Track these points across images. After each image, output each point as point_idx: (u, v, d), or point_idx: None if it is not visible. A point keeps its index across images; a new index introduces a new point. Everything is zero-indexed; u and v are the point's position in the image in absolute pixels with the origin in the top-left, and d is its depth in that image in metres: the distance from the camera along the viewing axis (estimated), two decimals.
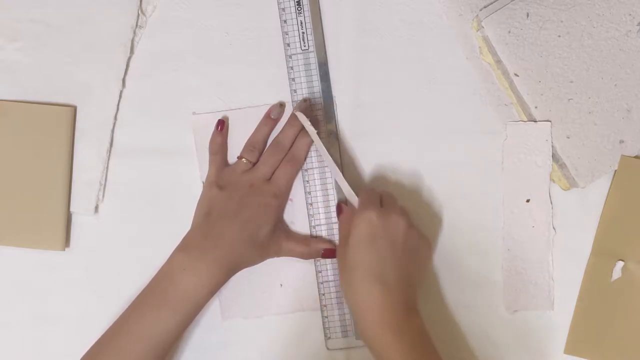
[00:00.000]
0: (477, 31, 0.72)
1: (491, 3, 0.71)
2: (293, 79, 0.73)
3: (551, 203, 0.72)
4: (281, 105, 0.72)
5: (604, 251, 0.72)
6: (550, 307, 0.72)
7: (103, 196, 0.73)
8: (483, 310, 0.73)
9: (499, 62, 0.71)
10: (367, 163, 0.73)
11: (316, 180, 0.73)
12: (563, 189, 0.72)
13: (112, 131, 0.73)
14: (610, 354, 0.72)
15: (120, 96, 0.73)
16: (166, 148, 0.73)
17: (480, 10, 0.71)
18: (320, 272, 0.73)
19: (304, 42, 0.72)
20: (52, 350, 0.73)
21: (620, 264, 0.71)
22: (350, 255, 0.64)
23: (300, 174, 0.73)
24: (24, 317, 0.73)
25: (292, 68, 0.73)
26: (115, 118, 0.73)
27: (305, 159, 0.72)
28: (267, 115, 0.72)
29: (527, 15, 0.70)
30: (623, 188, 0.72)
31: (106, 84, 0.73)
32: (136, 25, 0.73)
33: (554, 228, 0.72)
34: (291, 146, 0.71)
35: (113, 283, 0.73)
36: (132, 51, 0.73)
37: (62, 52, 0.73)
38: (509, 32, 0.70)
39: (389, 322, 0.62)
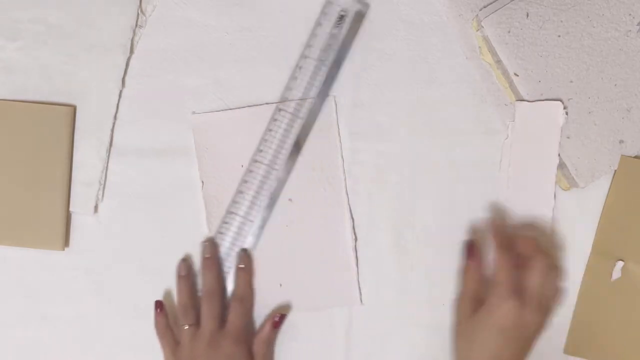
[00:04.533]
0: (477, 31, 0.72)
1: (491, 3, 0.71)
2: (295, 78, 0.72)
3: (552, 202, 0.72)
4: (185, 261, 0.72)
5: (604, 251, 0.72)
6: None
7: (103, 196, 0.73)
8: None
9: (499, 62, 0.71)
10: (367, 163, 0.73)
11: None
12: (563, 189, 0.72)
13: (112, 131, 0.73)
14: (610, 354, 0.72)
15: (120, 96, 0.73)
16: (166, 148, 0.73)
17: (480, 10, 0.71)
18: None
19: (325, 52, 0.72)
20: (52, 350, 0.73)
21: (620, 264, 0.71)
22: (476, 331, 0.65)
23: (299, 174, 0.73)
24: (24, 317, 0.73)
25: (300, 68, 0.72)
26: (115, 118, 0.73)
27: (252, 292, 0.71)
28: (178, 275, 0.71)
29: (527, 15, 0.70)
30: (623, 188, 0.72)
31: (106, 83, 0.73)
32: (136, 25, 0.73)
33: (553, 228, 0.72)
34: (221, 284, 0.71)
35: (113, 283, 0.73)
36: (132, 51, 0.73)
37: (62, 52, 0.73)
38: (509, 32, 0.70)
39: None
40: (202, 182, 0.72)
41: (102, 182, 0.73)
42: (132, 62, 0.73)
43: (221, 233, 0.72)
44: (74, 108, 0.73)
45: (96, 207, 0.73)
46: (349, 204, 0.73)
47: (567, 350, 0.72)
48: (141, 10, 0.73)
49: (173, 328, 0.70)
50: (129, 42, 0.73)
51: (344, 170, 0.73)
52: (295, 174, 0.72)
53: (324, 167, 0.73)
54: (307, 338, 0.73)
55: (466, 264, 0.70)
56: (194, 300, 0.70)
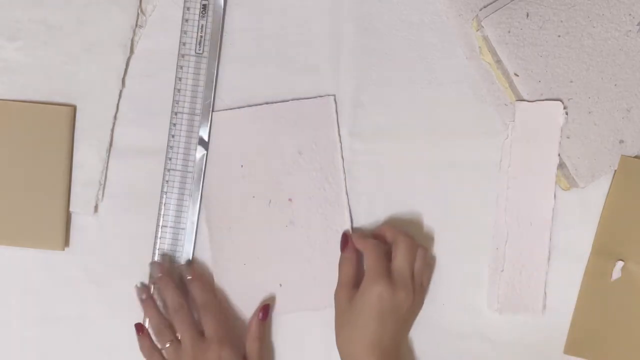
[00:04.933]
0: (477, 31, 0.72)
1: (491, 3, 0.71)
2: (180, 79, 0.72)
3: (552, 202, 0.72)
4: (140, 285, 0.72)
5: (604, 251, 0.72)
6: (542, 310, 0.72)
7: (102, 196, 0.73)
8: (482, 310, 0.73)
9: (499, 62, 0.71)
10: (367, 163, 0.73)
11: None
12: (563, 189, 0.72)
13: (112, 131, 0.73)
14: (610, 354, 0.72)
15: (120, 96, 0.73)
16: (166, 148, 0.73)
17: (480, 10, 0.71)
18: None
19: (200, 46, 0.72)
20: (52, 350, 0.73)
21: (620, 264, 0.71)
22: (354, 318, 0.67)
23: (299, 173, 0.73)
24: (24, 317, 0.73)
25: (181, 67, 0.72)
26: (115, 118, 0.73)
27: (213, 294, 0.72)
28: (140, 300, 0.71)
29: (527, 15, 0.70)
30: (623, 188, 0.72)
31: (106, 83, 0.73)
32: (136, 25, 0.73)
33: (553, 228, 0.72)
34: (182, 296, 0.71)
35: (113, 283, 0.73)
36: (132, 51, 0.73)
37: (62, 52, 0.73)
38: (509, 32, 0.70)
39: None
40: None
41: (102, 182, 0.73)
42: (132, 62, 0.73)
43: (160, 249, 0.72)
44: (74, 108, 0.73)
45: (96, 207, 0.73)
46: (349, 204, 0.73)
47: (567, 350, 0.72)
48: (141, 10, 0.73)
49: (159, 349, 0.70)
50: (129, 42, 0.73)
51: (344, 170, 0.73)
52: (295, 173, 0.73)
53: (324, 167, 0.73)
54: (307, 338, 0.73)
55: (341, 256, 0.71)
56: (164, 318, 0.70)
